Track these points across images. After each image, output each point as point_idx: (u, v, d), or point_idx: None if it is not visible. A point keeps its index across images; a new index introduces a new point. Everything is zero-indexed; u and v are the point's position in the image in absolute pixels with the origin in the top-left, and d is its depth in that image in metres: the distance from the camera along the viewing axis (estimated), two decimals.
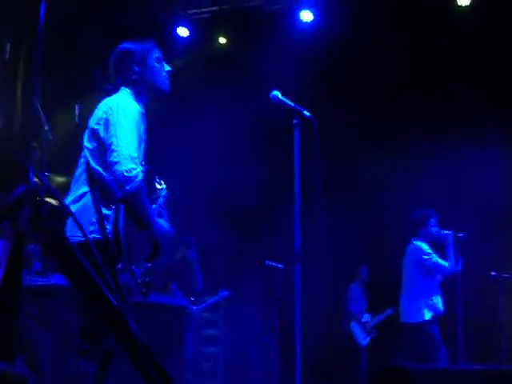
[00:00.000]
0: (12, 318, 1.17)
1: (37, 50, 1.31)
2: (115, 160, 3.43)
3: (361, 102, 9.59)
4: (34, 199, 1.25)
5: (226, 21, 10.30)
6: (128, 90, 3.79)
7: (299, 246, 4.26)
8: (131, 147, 3.46)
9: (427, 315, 7.07)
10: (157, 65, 3.87)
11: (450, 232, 7.18)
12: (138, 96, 3.80)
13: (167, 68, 3.93)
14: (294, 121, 4.36)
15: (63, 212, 1.31)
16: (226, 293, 9.17)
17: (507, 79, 9.04)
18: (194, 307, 8.87)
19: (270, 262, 8.89)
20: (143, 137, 3.70)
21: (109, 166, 3.47)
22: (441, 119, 9.45)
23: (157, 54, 3.90)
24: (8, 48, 1.29)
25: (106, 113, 3.60)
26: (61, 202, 1.33)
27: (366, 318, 9.67)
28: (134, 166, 3.41)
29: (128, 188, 3.39)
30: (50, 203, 1.33)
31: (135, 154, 3.46)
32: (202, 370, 9.54)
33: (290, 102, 4.39)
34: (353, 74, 9.80)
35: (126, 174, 3.38)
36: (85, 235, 1.35)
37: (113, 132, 3.50)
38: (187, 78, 9.51)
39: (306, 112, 4.34)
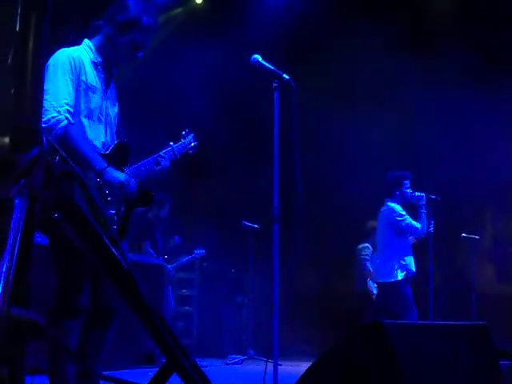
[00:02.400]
0: (26, 269, 1.25)
1: (45, 22, 1.37)
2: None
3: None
4: (46, 160, 1.33)
5: None
6: (89, 42, 3.69)
7: (278, 206, 4.35)
8: (53, 97, 3.40)
9: (400, 275, 7.18)
10: (130, 46, 3.65)
11: (422, 194, 7.29)
12: (99, 52, 3.67)
13: (139, 51, 3.71)
14: (274, 84, 4.44)
15: (72, 173, 1.39)
16: (202, 251, 9.21)
17: None
18: (169, 266, 8.96)
19: (247, 223, 9.02)
20: (91, 85, 3.58)
21: None
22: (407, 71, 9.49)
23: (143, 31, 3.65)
24: (18, 20, 1.35)
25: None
26: (70, 163, 1.40)
27: None
28: (54, 114, 3.38)
29: (51, 137, 3.31)
30: (61, 164, 1.40)
31: (58, 103, 3.41)
32: (176, 329, 9.64)
33: (270, 66, 4.47)
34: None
35: (44, 125, 3.30)
36: (88, 190, 1.42)
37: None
38: (164, 36, 9.52)
39: (285, 75, 4.42)
